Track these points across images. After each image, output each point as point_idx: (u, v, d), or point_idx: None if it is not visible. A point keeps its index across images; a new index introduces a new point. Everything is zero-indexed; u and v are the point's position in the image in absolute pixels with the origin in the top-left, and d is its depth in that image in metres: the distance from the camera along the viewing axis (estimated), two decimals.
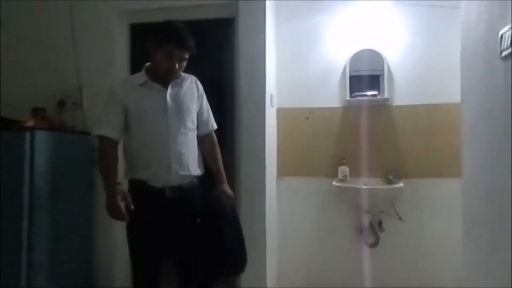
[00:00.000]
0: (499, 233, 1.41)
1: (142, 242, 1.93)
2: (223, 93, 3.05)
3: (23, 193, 2.21)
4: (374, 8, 2.99)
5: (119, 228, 2.78)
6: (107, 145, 1.89)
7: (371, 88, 2.97)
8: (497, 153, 1.42)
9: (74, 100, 2.87)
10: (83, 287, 2.70)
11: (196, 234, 1.96)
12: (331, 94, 3.07)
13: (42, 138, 2.32)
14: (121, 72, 2.88)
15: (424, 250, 2.90)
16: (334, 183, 2.90)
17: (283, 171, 3.13)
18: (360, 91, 2.97)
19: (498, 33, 1.30)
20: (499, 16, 1.34)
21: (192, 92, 2.06)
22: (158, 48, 1.86)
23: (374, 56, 2.97)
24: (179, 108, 1.96)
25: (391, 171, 2.90)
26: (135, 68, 2.92)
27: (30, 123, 2.39)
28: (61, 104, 2.86)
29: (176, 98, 1.97)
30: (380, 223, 2.91)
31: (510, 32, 1.19)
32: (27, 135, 2.23)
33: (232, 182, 2.50)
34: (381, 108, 2.97)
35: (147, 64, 2.01)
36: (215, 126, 2.20)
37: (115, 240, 2.77)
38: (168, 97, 1.94)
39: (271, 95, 2.90)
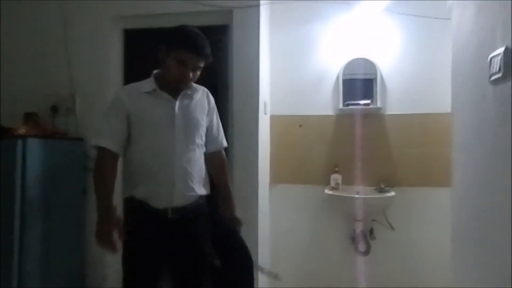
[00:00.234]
0: (487, 243, 1.43)
1: (139, 269, 1.74)
2: (216, 100, 3.03)
3: (15, 201, 2.21)
4: (367, 18, 3.01)
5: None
6: (106, 158, 1.71)
7: (364, 96, 2.99)
8: (486, 165, 1.44)
9: (67, 106, 2.86)
10: None
11: (201, 261, 1.80)
12: (324, 102, 3.08)
13: (34, 145, 2.32)
14: (115, 77, 2.88)
15: (414, 258, 2.92)
16: (326, 191, 2.92)
17: (276, 178, 3.14)
18: (353, 100, 2.99)
19: (488, 56, 1.32)
20: (489, 38, 1.35)
21: (203, 105, 1.89)
22: (170, 54, 1.69)
23: (367, 65, 2.99)
24: (188, 122, 1.79)
25: (383, 180, 2.93)
26: (128, 73, 2.93)
27: (22, 130, 2.38)
28: (54, 109, 2.84)
29: (186, 110, 1.79)
30: (371, 231, 2.93)
31: (500, 57, 1.21)
32: (19, 143, 2.22)
33: None
34: (374, 117, 3.00)
35: (156, 71, 1.83)
36: (225, 144, 2.03)
37: None
38: (176, 109, 1.76)
39: (265, 103, 2.91)
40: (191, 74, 1.72)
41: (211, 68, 1.83)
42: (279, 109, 3.14)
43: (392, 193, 2.83)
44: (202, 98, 1.90)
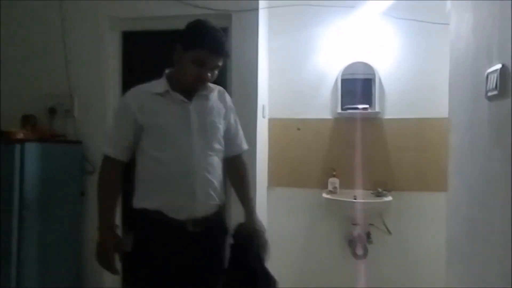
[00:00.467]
0: (482, 248, 1.45)
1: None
2: None
3: (13, 205, 2.20)
4: (366, 22, 3.01)
5: None
6: (111, 167, 1.61)
7: (363, 100, 2.99)
8: (482, 175, 1.45)
9: (65, 108, 2.85)
10: None
11: (222, 277, 1.67)
12: (323, 106, 3.09)
13: (32, 150, 2.32)
14: (113, 79, 2.88)
15: (411, 262, 2.94)
16: (324, 195, 2.93)
17: (274, 181, 3.15)
18: (352, 104, 2.99)
19: (484, 69, 1.32)
20: (486, 51, 1.36)
21: (219, 106, 1.73)
22: (186, 53, 1.54)
23: (366, 69, 3.00)
24: (205, 126, 1.64)
25: (381, 184, 2.94)
26: (127, 76, 2.93)
27: (21, 134, 2.38)
28: (52, 111, 2.84)
29: (202, 113, 1.64)
30: (368, 235, 2.95)
31: (497, 74, 1.21)
32: (17, 147, 2.22)
33: None
34: (372, 121, 3.00)
35: (168, 70, 1.69)
36: (245, 147, 1.87)
37: None
38: (192, 111, 1.62)
39: (263, 106, 2.92)
40: (209, 74, 1.58)
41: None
42: (277, 112, 3.15)
43: (389, 198, 2.84)
44: (218, 99, 1.74)
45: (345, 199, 2.85)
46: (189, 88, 1.62)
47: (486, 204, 1.39)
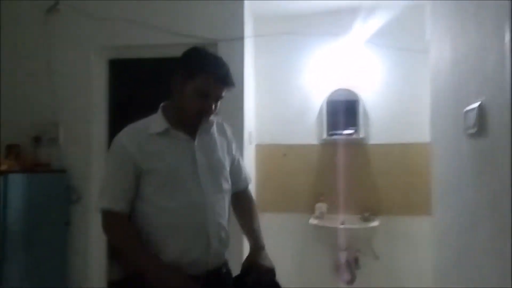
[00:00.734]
0: (466, 270, 1.47)
1: None
2: None
3: None
4: (350, 49, 3.08)
5: (94, 264, 2.78)
6: (117, 222, 1.39)
7: (348, 126, 3.04)
8: (466, 202, 1.48)
9: (50, 136, 2.83)
10: None
11: None
12: (309, 131, 3.13)
13: (15, 181, 2.28)
14: (100, 107, 2.87)
15: (399, 286, 2.94)
16: (311, 221, 2.93)
17: (261, 206, 3.11)
18: (337, 129, 3.04)
19: (463, 108, 1.36)
20: (465, 89, 1.40)
21: (222, 140, 1.56)
22: (188, 83, 1.37)
23: (350, 95, 3.05)
24: (212, 165, 1.46)
25: (367, 208, 2.96)
26: (114, 104, 2.93)
27: (4, 166, 2.34)
28: (37, 139, 2.81)
29: (207, 151, 1.47)
30: (356, 260, 2.95)
31: (475, 113, 1.25)
32: (1, 179, 2.19)
33: None
34: (357, 146, 3.05)
35: (164, 104, 1.50)
36: (250, 180, 1.71)
37: (90, 278, 2.75)
38: (197, 151, 1.44)
39: (249, 133, 2.94)
40: (213, 106, 1.41)
41: None
42: (264, 138, 3.17)
43: (376, 223, 2.86)
44: (218, 132, 1.56)
45: (332, 226, 2.86)
46: (191, 123, 1.44)
47: (473, 235, 1.42)
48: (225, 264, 1.50)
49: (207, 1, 2.73)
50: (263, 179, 3.15)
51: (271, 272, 1.47)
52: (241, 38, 2.74)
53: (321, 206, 3.00)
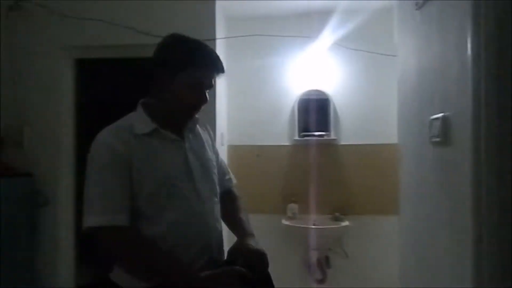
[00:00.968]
0: (428, 265, 1.52)
1: None
2: None
3: None
4: (321, 52, 3.11)
5: (63, 268, 2.71)
6: (124, 237, 1.16)
7: (319, 127, 3.07)
8: (429, 208, 1.53)
9: (15, 138, 2.73)
10: None
11: None
12: (281, 132, 3.15)
13: None
14: (66, 108, 2.79)
15: (369, 284, 3.01)
16: (283, 221, 2.96)
17: None
18: (309, 130, 3.07)
19: (429, 116, 1.40)
20: (429, 101, 1.44)
21: (206, 136, 1.44)
22: (179, 75, 1.22)
23: (322, 97, 3.09)
24: (204, 166, 1.33)
25: (338, 208, 3.01)
26: (82, 105, 2.85)
27: None
28: (0, 142, 2.71)
29: (197, 151, 1.33)
30: (327, 260, 3.00)
31: (439, 123, 1.29)
32: None
33: None
34: (328, 147, 3.09)
35: (144, 100, 1.33)
36: (234, 180, 1.62)
37: (58, 283, 2.69)
38: (188, 152, 1.29)
39: (222, 134, 2.93)
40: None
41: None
42: (236, 139, 3.17)
43: (346, 222, 2.92)
44: (202, 130, 1.45)
45: (303, 226, 2.89)
46: (185, 118, 1.31)
47: (434, 239, 1.47)
48: None
49: (178, 1, 2.69)
50: (236, 180, 3.14)
51: (264, 256, 1.28)
52: (212, 39, 2.72)
53: (293, 207, 3.03)
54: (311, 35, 3.09)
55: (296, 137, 3.09)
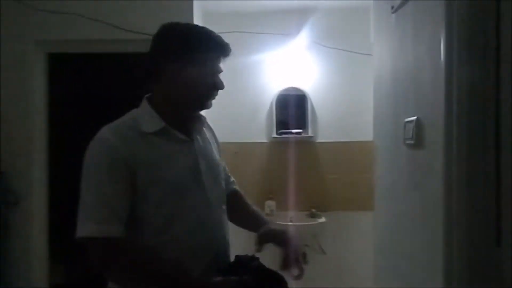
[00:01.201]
0: (401, 262, 1.56)
1: None
2: None
3: None
4: (299, 49, 3.12)
5: (36, 267, 2.65)
6: (122, 250, 1.06)
7: (297, 124, 3.10)
8: (400, 199, 1.57)
9: None
10: None
11: None
12: (259, 130, 3.16)
13: None
14: (38, 104, 2.71)
15: (345, 280, 3.07)
16: None
17: None
18: (286, 128, 3.09)
19: (403, 119, 1.43)
20: (404, 104, 1.47)
21: (211, 137, 1.36)
22: (189, 63, 1.13)
23: (299, 95, 3.12)
24: (213, 169, 1.23)
25: (315, 205, 3.05)
26: (53, 100, 2.77)
27: None
28: None
29: (205, 153, 1.23)
30: (304, 256, 3.03)
31: (413, 126, 1.32)
32: None
33: None
34: (306, 144, 3.12)
35: (149, 95, 1.22)
36: (235, 184, 1.54)
37: (32, 282, 2.63)
38: (198, 154, 1.19)
39: None
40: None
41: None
42: None
43: (323, 219, 2.96)
44: (207, 129, 1.36)
45: (281, 223, 2.91)
46: (196, 111, 1.24)
47: (407, 239, 1.51)
48: None
49: None
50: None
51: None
52: None
53: (271, 204, 3.05)
54: (289, 33, 3.10)
55: (274, 135, 3.10)
